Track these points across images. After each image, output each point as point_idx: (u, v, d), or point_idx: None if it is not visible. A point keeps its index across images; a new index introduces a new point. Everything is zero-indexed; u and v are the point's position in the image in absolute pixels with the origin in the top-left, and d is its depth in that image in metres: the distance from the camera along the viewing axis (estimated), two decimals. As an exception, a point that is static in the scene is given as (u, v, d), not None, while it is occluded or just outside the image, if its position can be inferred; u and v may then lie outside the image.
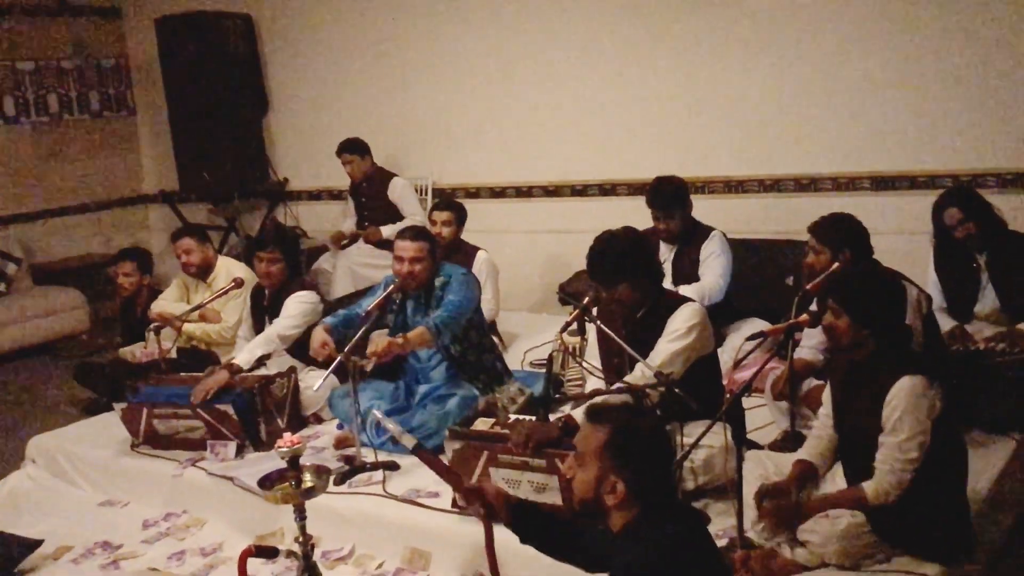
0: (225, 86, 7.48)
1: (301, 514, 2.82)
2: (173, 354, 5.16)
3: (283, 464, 2.85)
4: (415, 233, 4.33)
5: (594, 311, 3.65)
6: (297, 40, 7.62)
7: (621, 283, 3.46)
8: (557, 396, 3.42)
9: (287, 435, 2.78)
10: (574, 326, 3.61)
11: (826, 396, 3.19)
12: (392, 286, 4.18)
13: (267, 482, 2.82)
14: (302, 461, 2.87)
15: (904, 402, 2.80)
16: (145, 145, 8.77)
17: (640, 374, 3.37)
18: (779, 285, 5.31)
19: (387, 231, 6.36)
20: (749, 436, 3.80)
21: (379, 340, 4.03)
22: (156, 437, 4.47)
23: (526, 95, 6.61)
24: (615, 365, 3.60)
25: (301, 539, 2.83)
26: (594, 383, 3.70)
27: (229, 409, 4.28)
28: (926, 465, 2.82)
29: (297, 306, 4.64)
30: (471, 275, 4.45)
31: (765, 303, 5.07)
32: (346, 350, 3.93)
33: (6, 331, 7.01)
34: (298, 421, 4.56)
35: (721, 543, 3.10)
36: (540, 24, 6.46)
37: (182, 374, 4.66)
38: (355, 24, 7.29)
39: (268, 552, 2.71)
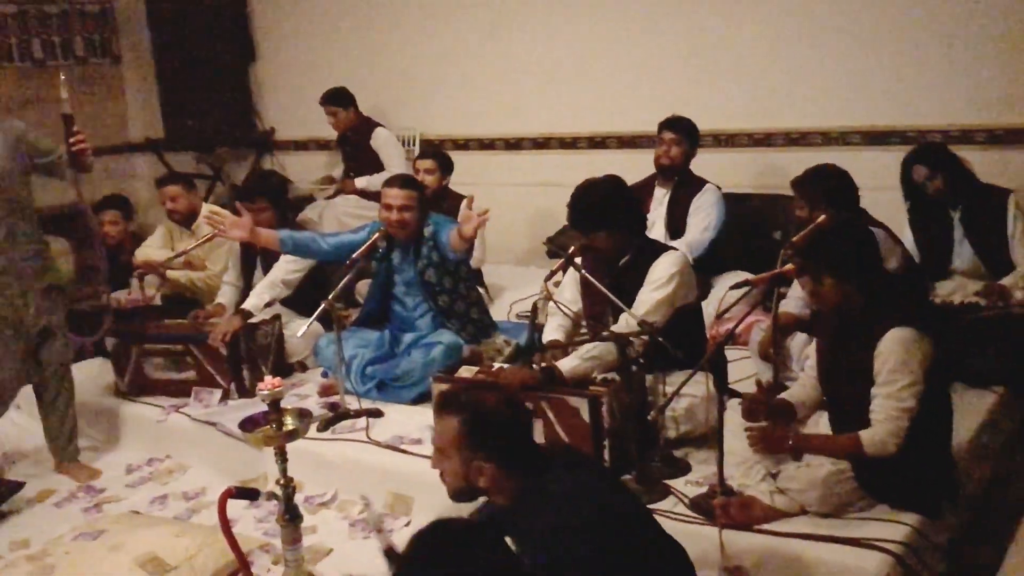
0: (211, 34, 7.39)
1: (283, 457, 2.82)
2: (157, 301, 5.14)
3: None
4: (403, 181, 4.30)
5: (579, 261, 3.63)
6: (285, -14, 7.51)
7: (600, 230, 3.45)
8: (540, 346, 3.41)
9: (268, 378, 2.77)
10: (559, 275, 3.59)
11: (811, 351, 3.18)
12: (377, 233, 4.15)
13: (249, 424, 2.82)
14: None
15: (895, 352, 2.77)
16: (131, 92, 8.63)
17: (625, 324, 3.36)
18: (767, 240, 5.31)
19: (361, 182, 6.35)
20: (732, 386, 3.83)
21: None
22: (143, 382, 4.47)
23: (516, 46, 6.53)
24: (598, 314, 3.59)
25: (283, 481, 2.82)
26: (558, 322, 3.68)
27: (222, 349, 4.29)
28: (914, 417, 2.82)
29: None
30: (447, 219, 4.41)
31: (753, 258, 5.06)
32: (330, 297, 3.91)
33: (-10, 278, 6.94)
34: (283, 369, 4.55)
35: (701, 490, 3.14)
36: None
37: (166, 321, 4.64)
38: (343, -29, 7.19)
39: (249, 493, 2.71)
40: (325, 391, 4.26)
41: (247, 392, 4.33)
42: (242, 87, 7.72)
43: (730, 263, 5.00)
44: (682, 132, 4.93)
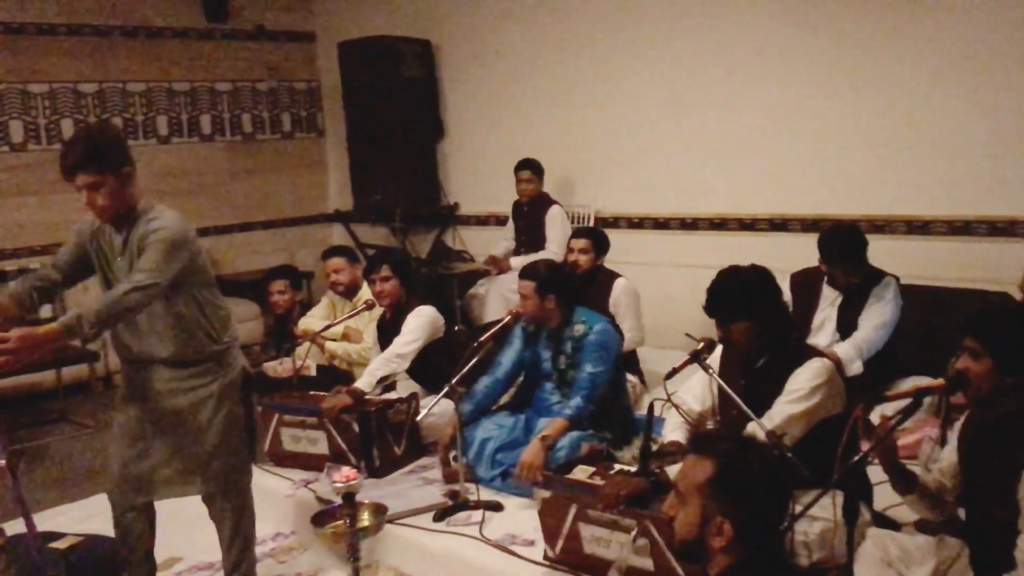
0: (402, 110, 7.56)
1: (355, 555, 2.66)
2: (312, 371, 5.18)
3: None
4: (525, 272, 4.16)
5: (713, 357, 3.31)
6: (473, 66, 7.62)
7: (738, 321, 3.12)
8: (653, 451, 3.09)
9: (344, 469, 2.63)
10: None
11: (950, 455, 2.70)
12: (507, 319, 4.02)
13: (321, 518, 2.68)
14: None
15: None
16: (332, 166, 9.03)
17: (752, 435, 3.00)
18: (961, 340, 4.74)
19: (516, 262, 6.39)
20: (888, 510, 3.36)
21: (528, 457, 3.78)
22: (280, 452, 4.47)
23: (695, 123, 6.28)
24: (733, 418, 3.24)
25: (355, 581, 2.66)
26: (679, 421, 3.35)
27: (354, 424, 4.23)
28: None
29: (414, 321, 4.56)
30: (608, 331, 4.13)
31: (941, 360, 4.51)
32: (454, 381, 3.77)
33: (186, 338, 7.28)
34: (417, 448, 4.44)
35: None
36: (713, 53, 6.13)
37: (310, 392, 4.64)
38: (529, 52, 7.21)
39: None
40: (451, 476, 4.09)
41: (377, 471, 4.23)
42: (429, 162, 7.86)
43: (911, 367, 4.46)
44: (845, 262, 4.39)
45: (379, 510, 2.71)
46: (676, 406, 3.24)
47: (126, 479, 3.29)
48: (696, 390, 3.40)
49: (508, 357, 4.26)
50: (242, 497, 3.41)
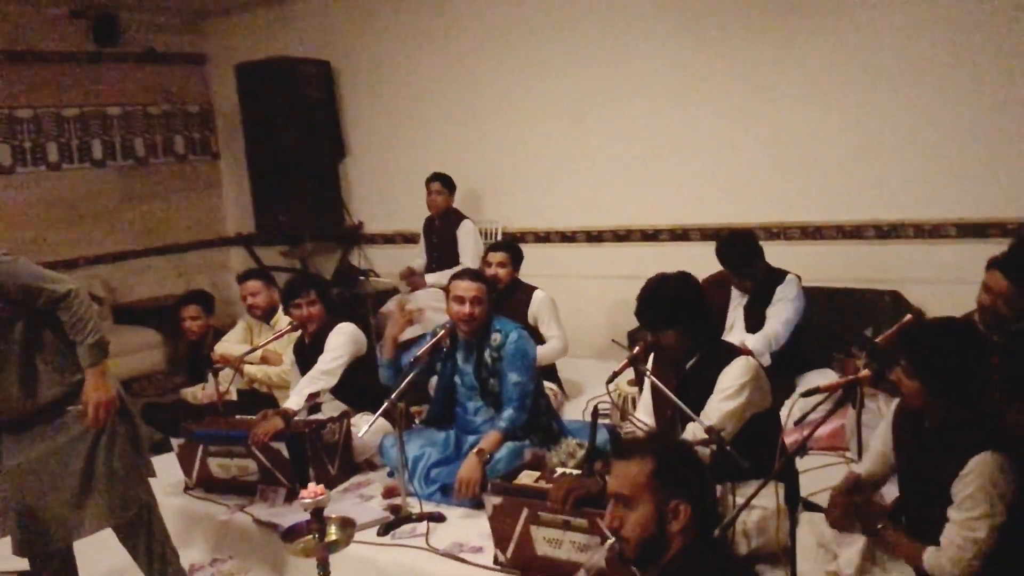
0: (303, 131, 7.56)
1: (324, 568, 2.71)
2: (233, 396, 5.15)
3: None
4: (473, 274, 4.24)
5: (650, 361, 3.49)
6: (374, 86, 7.69)
7: (668, 328, 3.30)
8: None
9: (312, 485, 2.68)
10: (621, 377, 3.45)
11: (885, 433, 2.95)
12: (441, 332, 4.09)
13: (291, 534, 2.73)
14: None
15: (980, 478, 2.55)
16: (228, 189, 8.93)
17: (692, 434, 3.18)
18: (858, 336, 5.06)
19: (432, 278, 6.48)
20: (810, 497, 3.59)
21: (465, 473, 3.88)
22: (210, 479, 4.43)
23: (598, 139, 6.51)
24: (668, 418, 3.42)
25: (324, 595, 2.71)
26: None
27: (282, 449, 4.23)
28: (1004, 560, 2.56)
29: (336, 339, 4.59)
30: (524, 337, 4.20)
31: (841, 354, 4.83)
32: (392, 397, 3.84)
33: (85, 369, 7.09)
34: (350, 467, 4.48)
35: (774, 614, 2.90)
36: (613, 70, 6.37)
37: (237, 417, 4.62)
38: (430, 71, 7.33)
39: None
40: (389, 492, 4.15)
41: (313, 492, 4.24)
42: (332, 183, 7.88)
43: (815, 362, 4.75)
44: (740, 265, 4.71)
45: (346, 523, 2.77)
46: (632, 420, 3.40)
47: (27, 528, 3.30)
48: (646, 400, 3.56)
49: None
50: (147, 516, 3.51)
